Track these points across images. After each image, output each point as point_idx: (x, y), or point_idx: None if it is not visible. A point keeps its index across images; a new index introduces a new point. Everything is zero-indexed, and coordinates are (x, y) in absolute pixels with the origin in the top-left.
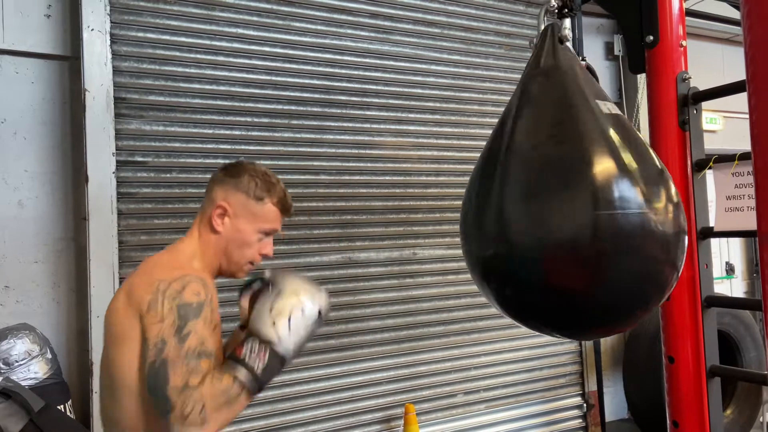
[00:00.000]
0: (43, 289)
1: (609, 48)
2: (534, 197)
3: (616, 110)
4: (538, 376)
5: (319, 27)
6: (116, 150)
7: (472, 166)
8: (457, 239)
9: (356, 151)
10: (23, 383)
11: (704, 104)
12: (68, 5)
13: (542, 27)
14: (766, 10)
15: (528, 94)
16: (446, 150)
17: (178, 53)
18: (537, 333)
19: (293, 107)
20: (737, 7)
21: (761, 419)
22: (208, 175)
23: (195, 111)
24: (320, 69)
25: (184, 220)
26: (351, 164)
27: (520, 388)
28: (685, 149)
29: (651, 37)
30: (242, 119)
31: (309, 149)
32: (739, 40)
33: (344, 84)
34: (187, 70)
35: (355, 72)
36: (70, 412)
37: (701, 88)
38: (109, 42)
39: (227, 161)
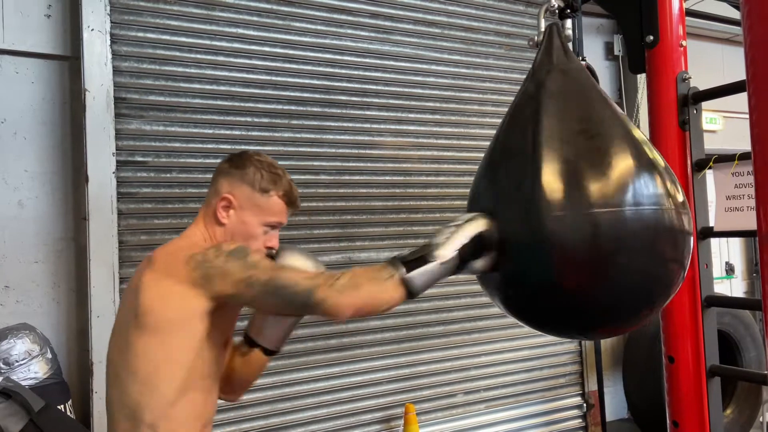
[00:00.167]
0: (43, 289)
1: (609, 48)
2: (571, 190)
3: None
4: (538, 376)
5: (319, 27)
6: (116, 150)
7: (473, 166)
8: None
9: (356, 151)
10: (23, 383)
11: (704, 104)
12: (68, 5)
13: (542, 27)
14: (766, 10)
15: (548, 89)
16: (446, 150)
17: (178, 53)
18: (537, 333)
19: (293, 107)
20: (737, 7)
21: (761, 419)
22: (209, 175)
23: (195, 111)
24: (320, 69)
25: (184, 220)
26: (351, 164)
27: (520, 388)
28: (685, 149)
29: (651, 37)
30: (242, 119)
31: (309, 149)
32: (739, 40)
33: (344, 84)
34: (187, 70)
35: (355, 72)
36: (70, 412)
37: (701, 88)
38: (109, 42)
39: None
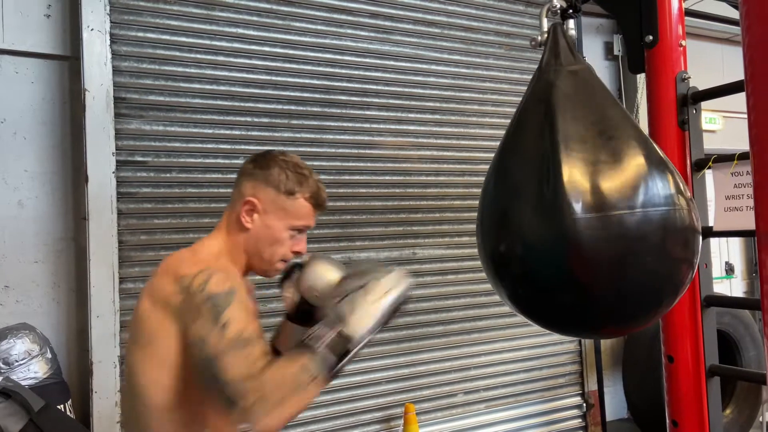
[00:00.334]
0: (43, 289)
1: (608, 48)
2: (595, 191)
3: None
4: (538, 375)
5: (319, 27)
6: (116, 150)
7: (473, 166)
8: (457, 239)
9: (356, 151)
10: (23, 383)
11: (704, 104)
12: (68, 5)
13: (545, 27)
14: (765, 11)
15: (559, 90)
16: (446, 150)
17: (178, 53)
18: (537, 333)
19: (293, 107)
20: (737, 7)
21: (761, 419)
22: (208, 175)
23: (195, 111)
24: (320, 69)
25: (184, 219)
26: (351, 164)
27: (520, 388)
28: (685, 149)
29: (650, 37)
30: (242, 119)
31: (309, 149)
32: (739, 40)
33: (344, 84)
34: (187, 70)
35: (355, 72)
36: (70, 412)
37: (701, 87)
38: (108, 42)
39: (227, 160)
